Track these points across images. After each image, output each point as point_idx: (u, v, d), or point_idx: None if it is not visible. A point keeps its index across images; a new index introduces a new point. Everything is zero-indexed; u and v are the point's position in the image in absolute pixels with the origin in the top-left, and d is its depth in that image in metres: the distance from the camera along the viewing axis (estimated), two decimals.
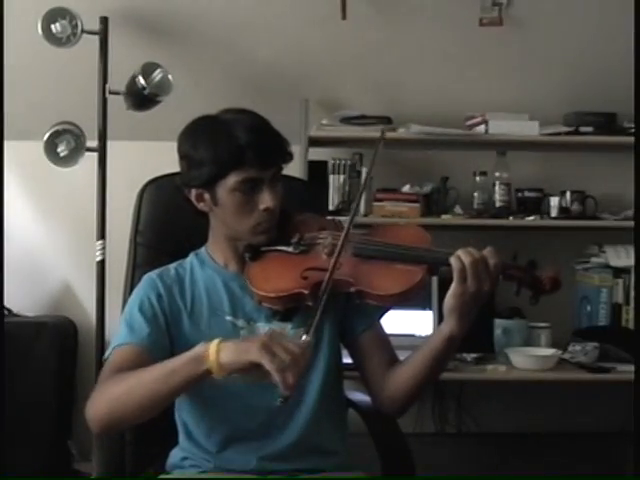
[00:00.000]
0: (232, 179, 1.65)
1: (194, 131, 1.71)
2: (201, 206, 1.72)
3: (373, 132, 3.05)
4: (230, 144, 1.63)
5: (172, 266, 1.79)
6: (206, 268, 1.78)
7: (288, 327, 1.71)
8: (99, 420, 1.58)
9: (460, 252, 1.56)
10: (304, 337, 1.50)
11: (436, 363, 1.65)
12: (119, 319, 1.76)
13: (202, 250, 1.81)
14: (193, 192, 1.71)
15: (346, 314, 1.77)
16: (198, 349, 1.49)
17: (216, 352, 1.46)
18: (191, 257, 1.81)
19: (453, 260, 1.55)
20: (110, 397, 1.56)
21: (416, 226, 1.80)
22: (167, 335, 1.69)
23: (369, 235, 1.75)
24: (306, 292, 1.63)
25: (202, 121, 1.72)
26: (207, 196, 1.69)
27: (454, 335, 1.59)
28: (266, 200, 1.66)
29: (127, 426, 1.64)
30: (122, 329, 1.69)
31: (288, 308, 1.67)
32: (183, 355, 1.52)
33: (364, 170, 3.14)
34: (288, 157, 1.72)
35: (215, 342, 1.48)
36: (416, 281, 1.60)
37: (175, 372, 1.51)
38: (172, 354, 1.67)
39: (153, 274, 1.77)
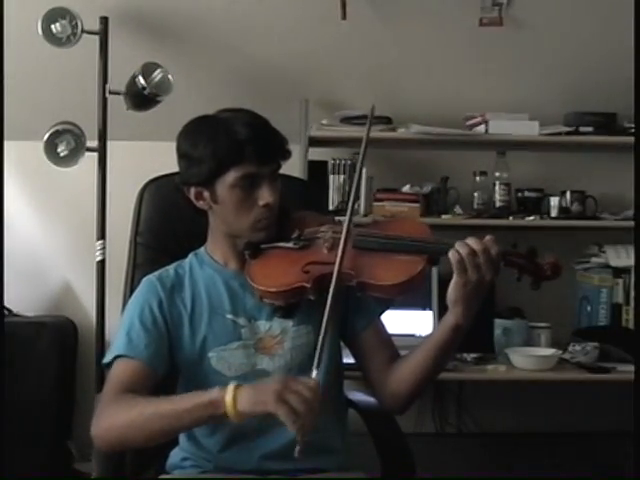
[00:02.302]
0: (231, 175, 1.65)
1: (193, 130, 1.72)
2: (200, 204, 1.72)
3: (373, 132, 3.04)
4: (229, 140, 1.64)
5: (171, 267, 1.79)
6: (206, 267, 1.78)
7: (289, 324, 1.72)
8: (107, 443, 1.61)
9: (458, 245, 1.55)
10: (314, 373, 1.51)
11: (441, 354, 1.64)
12: (119, 320, 1.76)
13: (201, 250, 1.81)
14: (192, 190, 1.71)
15: (346, 312, 1.77)
16: (214, 394, 1.50)
17: (232, 400, 1.48)
18: (190, 257, 1.81)
19: (451, 254, 1.55)
20: (120, 424, 1.57)
21: (415, 218, 1.80)
22: (167, 340, 1.70)
23: (369, 228, 1.76)
24: (308, 286, 1.63)
25: (200, 120, 1.73)
26: (206, 194, 1.70)
27: (460, 325, 1.59)
28: (265, 196, 1.66)
29: (135, 449, 1.67)
30: (121, 337, 1.69)
31: (289, 304, 1.67)
32: (198, 397, 1.53)
33: (364, 170, 3.14)
34: (287, 154, 1.73)
35: (231, 390, 1.49)
36: (417, 271, 1.60)
37: (189, 413, 1.52)
38: (173, 358, 1.70)
39: (153, 277, 1.76)
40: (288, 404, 1.43)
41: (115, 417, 1.57)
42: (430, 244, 1.63)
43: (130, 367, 1.65)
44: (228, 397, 1.48)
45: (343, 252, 1.60)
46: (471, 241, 1.56)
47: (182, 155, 1.72)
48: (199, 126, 1.71)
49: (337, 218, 1.81)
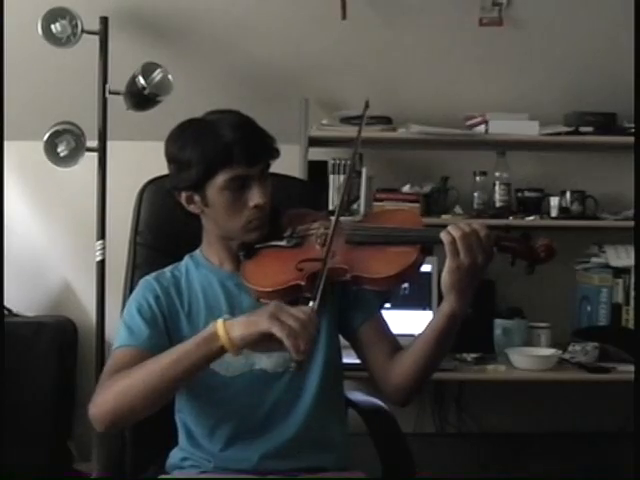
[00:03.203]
0: (221, 178, 1.65)
1: (180, 134, 1.72)
2: (192, 208, 1.73)
3: (373, 132, 3.06)
4: (217, 143, 1.65)
5: (168, 269, 1.80)
6: (201, 269, 1.78)
7: None
8: (105, 416, 1.58)
9: (450, 227, 1.56)
10: (310, 304, 1.51)
11: (439, 344, 1.64)
12: (119, 320, 1.76)
13: (197, 252, 1.82)
14: (183, 195, 1.72)
15: (344, 308, 1.77)
16: (206, 331, 1.52)
17: (224, 330, 1.49)
18: (186, 259, 1.82)
19: (443, 235, 1.55)
20: (116, 392, 1.56)
21: (407, 209, 1.80)
22: (166, 336, 1.70)
23: (361, 222, 1.76)
24: (303, 283, 1.63)
25: (187, 124, 1.73)
26: (197, 198, 1.70)
27: (455, 312, 1.58)
28: (256, 197, 1.67)
29: (132, 421, 1.64)
30: (121, 332, 1.69)
31: (286, 302, 1.67)
32: (190, 340, 1.54)
33: (364, 170, 3.14)
34: (275, 153, 1.73)
35: (220, 321, 1.51)
36: (411, 261, 1.60)
37: (185, 356, 1.52)
38: None
39: (150, 277, 1.77)
40: (282, 321, 1.45)
41: (109, 390, 1.57)
42: (422, 233, 1.64)
43: (130, 353, 1.65)
44: (220, 328, 1.50)
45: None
46: (462, 224, 1.56)
47: (170, 160, 1.72)
48: (186, 130, 1.72)
49: (332, 217, 1.81)
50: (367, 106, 1.79)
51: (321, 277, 1.57)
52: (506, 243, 1.59)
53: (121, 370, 1.60)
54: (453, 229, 1.55)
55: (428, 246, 1.63)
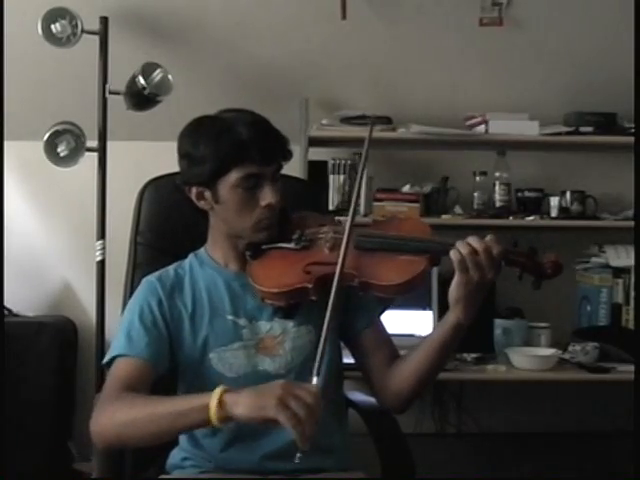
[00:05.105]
0: (234, 175, 1.65)
1: (195, 129, 1.71)
2: (202, 204, 1.72)
3: (373, 132, 3.05)
4: (232, 140, 1.64)
5: (171, 268, 1.79)
6: (206, 268, 1.78)
7: (290, 324, 1.72)
8: (104, 440, 1.59)
9: (459, 244, 1.56)
10: (314, 380, 1.49)
11: (442, 353, 1.65)
12: (119, 320, 1.76)
13: (201, 250, 1.81)
14: (194, 190, 1.71)
15: (346, 312, 1.77)
16: (205, 398, 1.47)
17: (217, 403, 1.45)
18: (190, 258, 1.81)
19: (452, 253, 1.55)
20: (118, 422, 1.55)
21: (416, 218, 1.80)
22: (168, 340, 1.70)
23: (370, 228, 1.76)
24: (309, 286, 1.63)
25: (202, 120, 1.73)
26: (208, 194, 1.69)
27: (461, 323, 1.59)
28: (268, 196, 1.66)
29: (135, 447, 1.68)
30: (121, 337, 1.69)
31: (290, 304, 1.67)
32: (194, 399, 1.51)
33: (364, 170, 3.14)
34: (288, 154, 1.73)
35: (217, 393, 1.46)
36: (419, 271, 1.61)
37: (184, 416, 1.50)
38: (174, 358, 1.70)
39: (152, 277, 1.76)
40: (289, 409, 1.41)
41: (114, 415, 1.57)
42: (431, 244, 1.63)
43: (131, 365, 1.65)
44: (213, 402, 1.45)
45: (345, 253, 1.60)
46: (472, 240, 1.56)
47: (184, 155, 1.71)
48: (201, 126, 1.71)
49: (337, 218, 1.81)
50: (372, 125, 1.79)
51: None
52: (514, 257, 1.60)
53: (124, 385, 1.60)
54: (462, 247, 1.55)
55: (436, 256, 1.63)
